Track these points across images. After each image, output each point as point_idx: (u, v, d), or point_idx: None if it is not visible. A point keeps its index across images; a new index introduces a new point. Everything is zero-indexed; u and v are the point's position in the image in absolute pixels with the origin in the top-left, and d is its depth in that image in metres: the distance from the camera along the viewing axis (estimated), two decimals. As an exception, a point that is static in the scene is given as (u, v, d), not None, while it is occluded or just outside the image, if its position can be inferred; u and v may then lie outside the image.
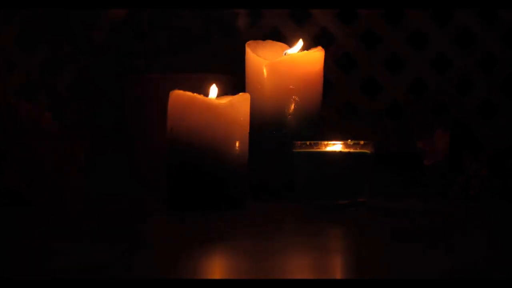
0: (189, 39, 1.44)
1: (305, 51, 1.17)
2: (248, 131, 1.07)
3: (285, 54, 1.18)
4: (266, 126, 1.15)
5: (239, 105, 1.06)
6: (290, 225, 0.97)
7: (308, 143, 1.05)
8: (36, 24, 1.50)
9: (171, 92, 1.05)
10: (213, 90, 1.08)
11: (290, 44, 1.19)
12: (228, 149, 1.04)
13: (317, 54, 1.16)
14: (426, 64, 1.57)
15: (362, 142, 1.04)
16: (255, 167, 1.13)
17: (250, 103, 1.08)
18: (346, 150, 1.04)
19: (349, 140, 1.04)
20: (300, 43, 1.18)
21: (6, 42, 1.50)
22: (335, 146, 1.04)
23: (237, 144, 1.05)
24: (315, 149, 1.05)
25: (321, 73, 1.18)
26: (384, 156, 1.44)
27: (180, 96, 1.05)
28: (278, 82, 1.15)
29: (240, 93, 1.07)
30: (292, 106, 1.15)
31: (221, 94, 1.09)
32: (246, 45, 1.18)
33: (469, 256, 0.74)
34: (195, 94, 1.05)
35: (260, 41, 1.20)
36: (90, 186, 1.23)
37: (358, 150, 1.04)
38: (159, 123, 1.15)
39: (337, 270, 0.70)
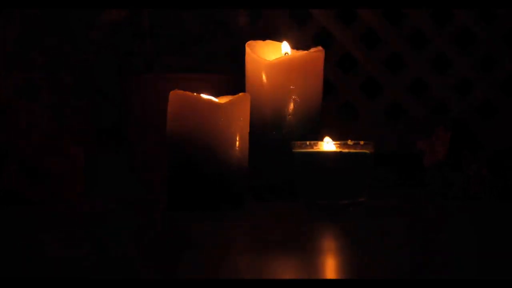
0: (189, 39, 1.44)
1: (305, 51, 1.17)
2: (248, 131, 1.07)
3: (285, 54, 1.18)
4: (266, 126, 1.15)
5: (239, 105, 1.06)
6: (289, 225, 0.97)
7: (308, 143, 1.05)
8: (36, 24, 1.50)
9: (171, 92, 1.05)
10: (285, 46, 1.07)
11: (289, 44, 1.19)
12: (228, 149, 1.04)
13: (317, 54, 1.16)
14: (426, 64, 1.57)
15: (362, 142, 1.04)
16: (255, 167, 1.13)
17: (250, 103, 1.08)
18: (346, 150, 1.04)
19: (349, 140, 1.04)
20: (284, 44, 1.18)
21: (6, 42, 1.50)
22: (335, 146, 1.04)
23: (237, 144, 1.05)
24: (315, 149, 1.05)
25: (321, 73, 1.17)
26: (384, 156, 1.44)
27: (180, 96, 1.05)
28: (278, 82, 1.15)
29: (240, 93, 1.07)
30: (292, 106, 1.15)
31: (221, 94, 1.09)
32: (246, 45, 1.18)
33: (469, 256, 0.74)
34: (195, 94, 1.05)
35: (260, 41, 1.20)
36: (90, 186, 1.23)
37: (358, 150, 1.04)
38: (159, 123, 1.15)
39: (336, 270, 0.70)
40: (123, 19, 1.46)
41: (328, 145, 1.04)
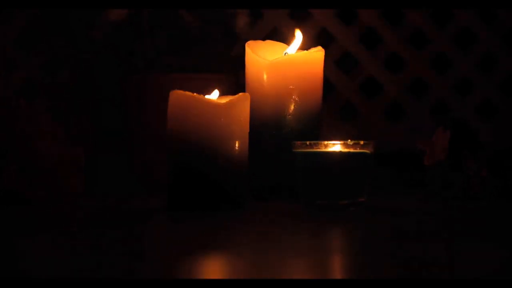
0: (189, 39, 1.44)
1: (305, 51, 1.17)
2: (248, 131, 1.07)
3: (285, 54, 1.18)
4: (266, 126, 1.15)
5: (239, 105, 1.06)
6: (289, 225, 0.97)
7: (308, 143, 1.05)
8: (36, 24, 1.50)
9: (171, 92, 1.05)
10: (215, 93, 1.08)
11: (290, 44, 1.19)
12: (228, 149, 1.04)
13: (317, 54, 1.16)
14: (426, 64, 1.57)
15: (362, 142, 1.04)
16: (255, 167, 1.13)
17: (250, 103, 1.08)
18: (346, 150, 1.04)
19: (349, 140, 1.04)
20: (298, 35, 1.17)
21: (6, 42, 1.50)
22: (335, 146, 1.04)
23: (237, 144, 1.05)
24: (315, 149, 1.05)
25: (321, 73, 1.17)
26: (384, 156, 1.44)
27: (180, 96, 1.05)
28: (278, 82, 1.15)
29: (240, 93, 1.07)
30: (292, 106, 1.15)
31: (221, 94, 1.09)
32: (246, 45, 1.18)
33: (469, 256, 0.74)
34: (195, 94, 1.05)
35: (260, 41, 1.20)
36: (90, 186, 1.23)
37: (358, 150, 1.04)
38: (159, 123, 1.15)
39: (336, 270, 0.70)
40: (123, 19, 1.46)
41: (335, 146, 1.04)
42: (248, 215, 1.04)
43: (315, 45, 1.18)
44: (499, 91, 1.57)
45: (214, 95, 1.08)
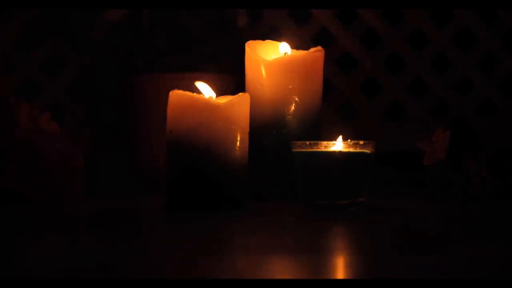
0: (189, 39, 1.44)
1: (305, 51, 1.17)
2: (248, 131, 1.07)
3: (285, 54, 1.18)
4: (266, 126, 1.15)
5: (239, 105, 1.06)
6: (289, 225, 0.97)
7: (308, 143, 1.05)
8: (36, 24, 1.50)
9: (171, 92, 1.05)
10: (204, 89, 1.08)
11: (289, 44, 1.19)
12: (228, 149, 1.04)
13: (317, 54, 1.16)
14: (426, 64, 1.57)
15: (362, 142, 1.04)
16: (255, 167, 1.13)
17: (250, 103, 1.08)
18: (346, 150, 1.04)
19: (349, 140, 1.04)
20: (282, 45, 1.17)
21: (6, 42, 1.50)
22: (335, 146, 1.04)
23: (237, 144, 1.05)
24: (315, 149, 1.05)
25: (321, 73, 1.17)
26: (384, 156, 1.44)
27: (180, 96, 1.05)
28: (278, 82, 1.15)
29: (240, 93, 1.07)
30: (292, 106, 1.15)
31: (221, 94, 1.09)
32: (246, 45, 1.18)
33: (469, 256, 0.74)
34: (195, 94, 1.05)
35: (260, 41, 1.20)
36: (90, 186, 1.23)
37: (358, 150, 1.04)
38: (159, 123, 1.15)
39: (336, 270, 0.70)
40: (123, 19, 1.46)
41: (337, 145, 1.04)
42: (248, 215, 1.04)
43: (315, 45, 1.18)
44: (499, 91, 1.57)
45: (208, 92, 1.08)
